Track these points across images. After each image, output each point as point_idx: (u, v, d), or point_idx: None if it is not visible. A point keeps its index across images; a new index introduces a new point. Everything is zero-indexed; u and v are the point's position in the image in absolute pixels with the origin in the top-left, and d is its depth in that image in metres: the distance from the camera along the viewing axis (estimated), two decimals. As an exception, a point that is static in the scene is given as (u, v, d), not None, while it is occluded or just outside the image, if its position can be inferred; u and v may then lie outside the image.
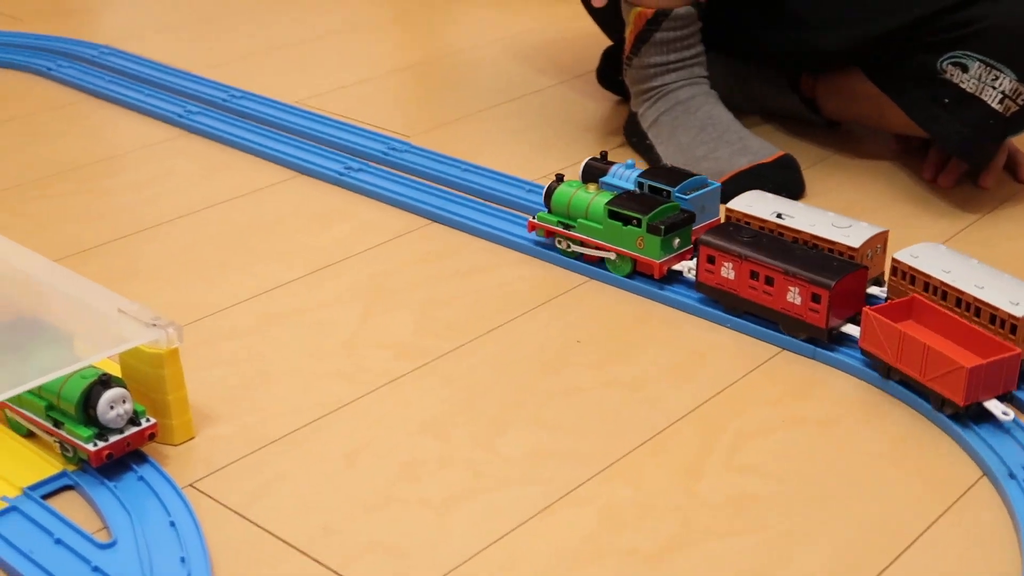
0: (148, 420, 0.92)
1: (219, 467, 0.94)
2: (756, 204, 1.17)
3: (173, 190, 1.42)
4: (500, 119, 1.60)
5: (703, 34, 1.43)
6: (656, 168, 1.26)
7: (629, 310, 1.15)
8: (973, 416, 0.96)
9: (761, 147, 1.37)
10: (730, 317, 1.12)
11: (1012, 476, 0.90)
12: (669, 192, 1.20)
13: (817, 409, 1.00)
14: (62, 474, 0.91)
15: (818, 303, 1.04)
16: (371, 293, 1.19)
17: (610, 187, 1.23)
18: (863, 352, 1.03)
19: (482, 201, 1.36)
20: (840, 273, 1.04)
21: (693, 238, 1.18)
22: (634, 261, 1.18)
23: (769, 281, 1.08)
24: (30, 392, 0.92)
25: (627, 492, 0.90)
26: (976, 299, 1.00)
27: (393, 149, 1.49)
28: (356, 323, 1.13)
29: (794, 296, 1.06)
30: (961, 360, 0.94)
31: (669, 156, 1.40)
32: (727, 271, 1.10)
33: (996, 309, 0.99)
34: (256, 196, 1.40)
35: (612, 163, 1.27)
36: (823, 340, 1.06)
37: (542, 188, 1.34)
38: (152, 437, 0.92)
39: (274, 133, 1.55)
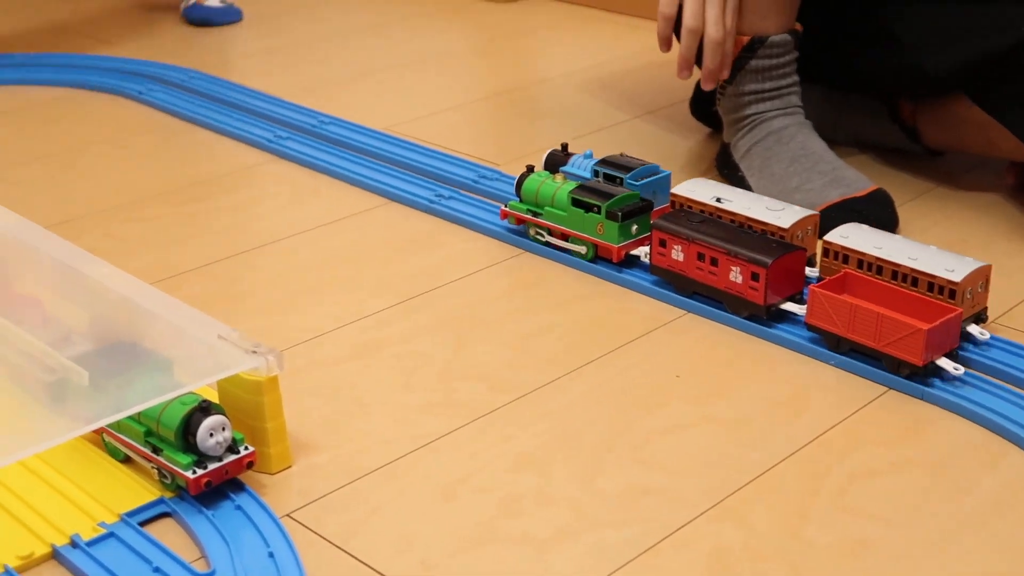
0: (246, 448, 0.91)
1: (316, 497, 0.92)
2: (698, 189, 1.26)
3: (264, 215, 1.42)
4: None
5: (797, 63, 1.40)
6: (610, 157, 1.33)
7: (728, 344, 1.13)
8: (930, 374, 1.04)
9: (855, 179, 1.35)
10: (833, 355, 1.09)
11: None
12: (622, 179, 1.29)
13: (928, 451, 0.97)
14: (159, 501, 0.90)
15: (757, 281, 1.11)
16: (464, 323, 1.17)
17: (571, 176, 1.31)
18: (809, 327, 1.10)
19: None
20: (777, 253, 1.11)
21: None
22: (595, 246, 1.25)
23: (714, 262, 1.15)
24: (129, 417, 0.91)
25: (734, 534, 0.87)
26: (913, 270, 1.08)
27: (483, 177, 1.48)
28: (450, 354, 1.12)
29: (736, 275, 1.13)
30: (918, 324, 1.01)
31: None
32: (677, 253, 1.18)
33: (934, 277, 1.07)
34: (346, 223, 1.39)
35: (572, 154, 1.36)
36: (762, 316, 1.12)
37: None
38: (250, 465, 0.91)
39: (364, 159, 1.55)
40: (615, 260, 1.24)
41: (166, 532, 0.89)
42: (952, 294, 1.07)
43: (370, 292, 1.23)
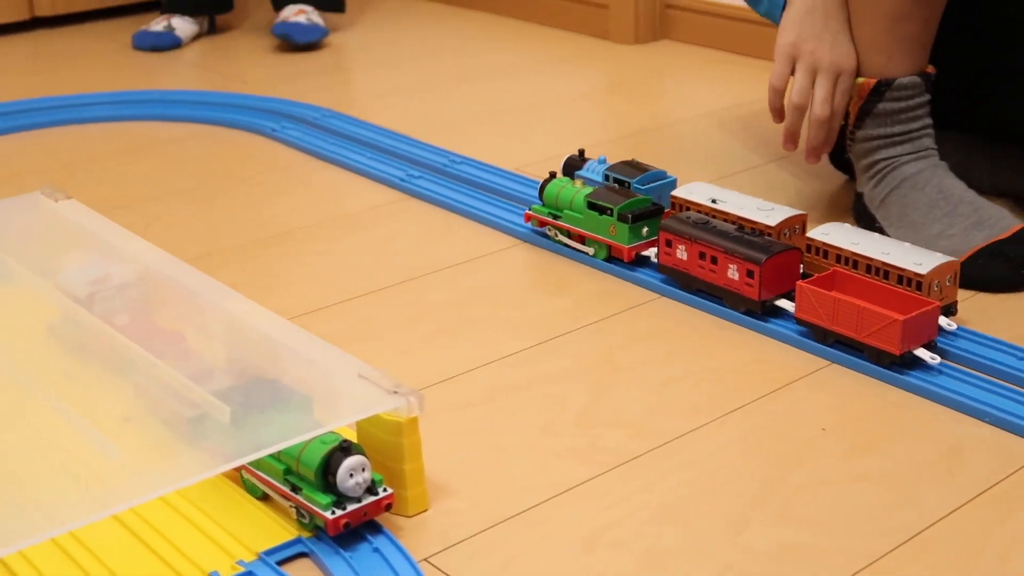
0: (385, 490, 0.90)
1: (454, 542, 0.90)
2: (695, 191, 1.35)
3: (397, 254, 1.41)
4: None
5: (933, 108, 1.36)
6: (620, 162, 1.42)
7: (873, 396, 1.09)
8: (907, 364, 1.10)
9: (999, 218, 1.29)
10: (987, 411, 1.05)
11: None
12: (630, 183, 1.38)
13: (1094, 517, 0.92)
14: (297, 540, 0.89)
15: (752, 278, 1.19)
16: (602, 368, 1.15)
17: (586, 179, 1.42)
18: (798, 322, 1.17)
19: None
20: (772, 251, 1.19)
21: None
22: (609, 247, 1.33)
23: (714, 260, 1.23)
24: (269, 455, 0.90)
25: (890, 597, 0.84)
26: (884, 263, 1.17)
27: (618, 220, 1.46)
28: (588, 398, 1.10)
29: (733, 272, 1.21)
30: (894, 315, 1.08)
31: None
32: (681, 252, 1.26)
33: (903, 270, 1.15)
34: (480, 262, 1.38)
35: (588, 159, 1.45)
36: (757, 311, 1.20)
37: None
38: (389, 507, 0.90)
39: (496, 200, 1.54)
40: (626, 259, 1.32)
41: (303, 572, 0.88)
42: (919, 286, 1.15)
43: (505, 333, 1.22)
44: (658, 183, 1.38)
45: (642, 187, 1.37)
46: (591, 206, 1.34)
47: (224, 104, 1.96)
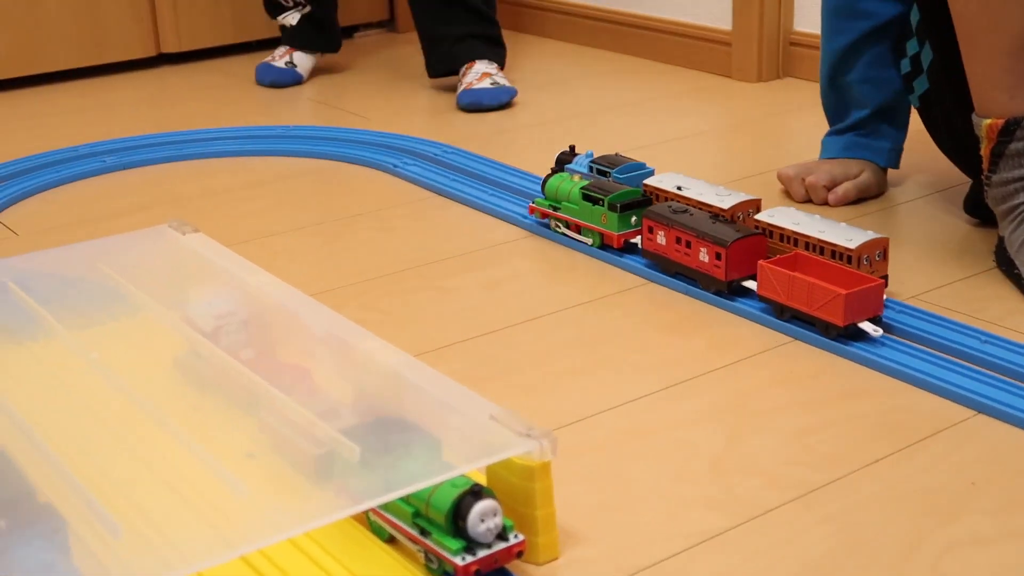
0: (516, 536, 0.87)
1: (586, 593, 0.87)
2: (665, 180, 1.47)
3: (522, 292, 1.39)
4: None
5: None
6: (604, 156, 1.55)
7: (1028, 452, 1.03)
8: (852, 336, 1.20)
9: None
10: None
11: None
12: (610, 173, 1.51)
13: None
14: (425, 586, 0.87)
15: (720, 260, 1.29)
16: (735, 413, 1.11)
17: (572, 171, 1.54)
18: (760, 299, 1.27)
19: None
20: (738, 235, 1.29)
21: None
22: (601, 235, 1.45)
23: (688, 244, 1.33)
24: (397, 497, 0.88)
25: (1055, 668, 0.78)
26: (819, 240, 1.28)
27: (746, 260, 1.42)
28: (722, 445, 1.06)
29: (704, 255, 1.31)
30: (839, 290, 1.18)
31: None
32: (661, 238, 1.37)
33: (835, 245, 1.26)
34: (606, 302, 1.35)
35: (578, 154, 1.58)
36: (725, 291, 1.30)
37: (910, 307, 1.28)
38: (520, 555, 0.87)
39: (621, 238, 1.51)
40: (615, 246, 1.44)
41: (431, 620, 0.85)
42: (849, 259, 1.25)
43: (634, 375, 1.18)
44: (635, 173, 1.52)
45: (621, 176, 1.51)
46: (585, 197, 1.46)
47: (345, 140, 1.97)
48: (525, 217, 1.58)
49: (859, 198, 1.61)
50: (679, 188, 1.44)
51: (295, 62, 2.36)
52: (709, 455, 1.04)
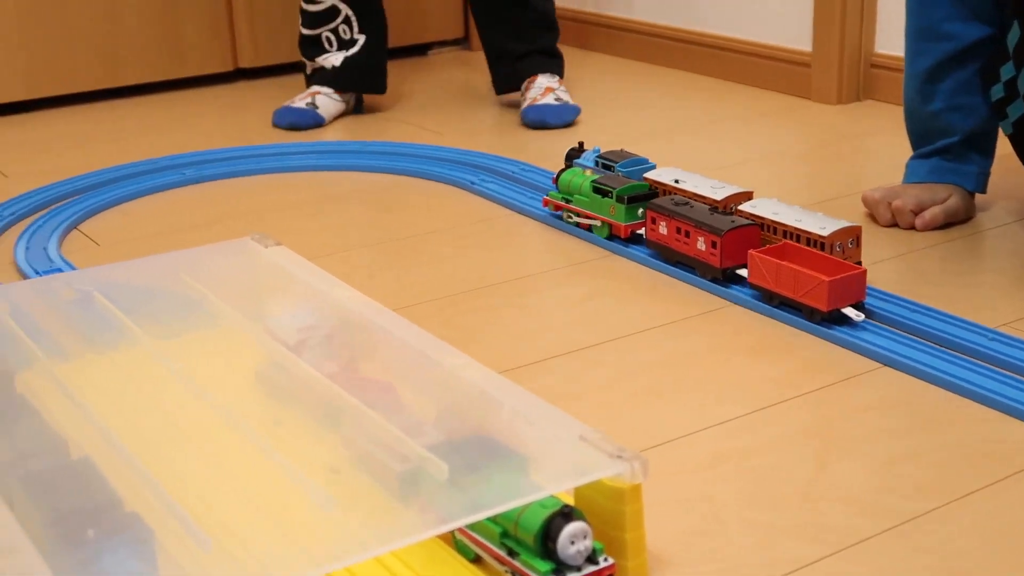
0: (606, 559, 0.85)
1: (675, 620, 0.85)
2: (664, 174, 1.58)
3: (602, 311, 1.37)
4: (957, 257, 1.48)
5: None
6: (610, 150, 1.66)
7: None
8: (835, 320, 1.27)
9: None
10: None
11: None
12: (615, 166, 1.61)
13: None
14: (511, 608, 0.85)
15: (715, 248, 1.38)
16: (824, 439, 1.08)
17: (580, 165, 1.64)
18: (751, 286, 1.35)
19: (937, 346, 1.24)
20: (732, 225, 1.37)
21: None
22: (609, 225, 1.54)
23: (687, 234, 1.42)
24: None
25: None
26: (795, 228, 1.36)
27: (832, 284, 1.39)
28: (812, 472, 1.03)
29: (701, 244, 1.40)
30: (822, 277, 1.26)
31: None
32: (663, 228, 1.45)
33: (810, 233, 1.34)
34: (688, 323, 1.33)
35: (586, 150, 1.69)
36: (720, 278, 1.39)
37: (1017, 340, 1.25)
38: (608, 579, 0.85)
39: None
40: (623, 236, 1.53)
41: (517, 642, 0.83)
42: (823, 246, 1.33)
43: (718, 398, 1.16)
44: (638, 167, 1.61)
45: (624, 169, 1.61)
46: (595, 190, 1.55)
47: (422, 156, 1.96)
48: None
49: (947, 223, 1.58)
50: (676, 181, 1.55)
51: (317, 104, 2.23)
52: (799, 481, 1.02)
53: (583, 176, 1.58)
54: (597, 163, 1.64)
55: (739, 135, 2.06)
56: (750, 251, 1.34)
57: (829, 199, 1.72)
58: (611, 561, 0.85)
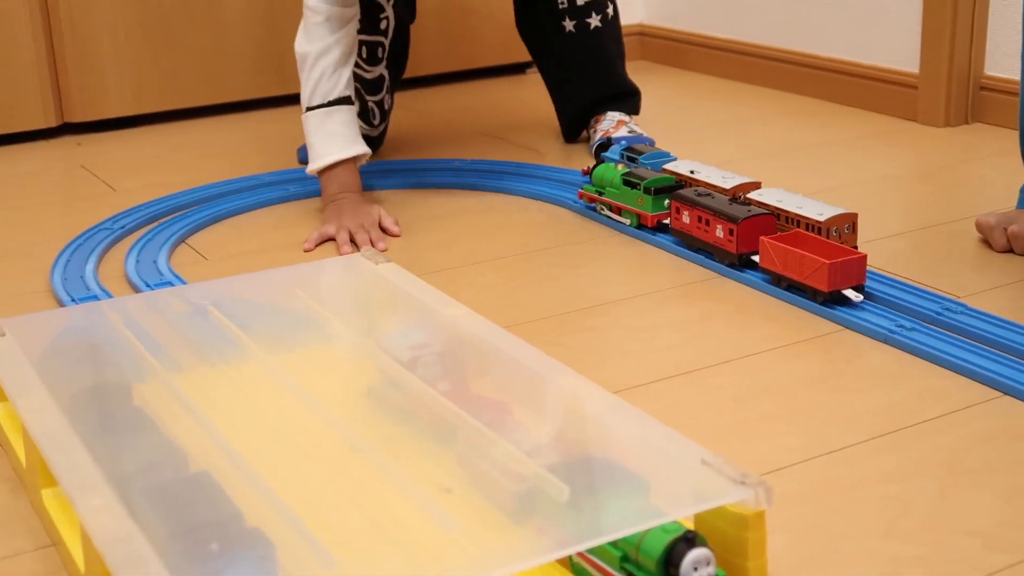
0: (728, 587, 0.84)
1: (799, 651, 0.84)
2: (681, 165, 1.71)
3: (713, 334, 1.36)
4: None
5: None
6: (635, 144, 1.83)
7: None
8: (836, 301, 1.38)
9: None
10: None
11: None
12: (638, 159, 1.76)
13: None
14: (630, 634, 0.84)
15: (732, 235, 1.49)
16: (945, 469, 1.06)
17: (607, 158, 1.80)
18: (762, 271, 1.47)
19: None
20: (748, 214, 1.49)
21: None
22: (638, 215, 1.66)
23: (707, 222, 1.53)
24: (604, 540, 0.86)
25: None
26: (796, 214, 1.49)
27: (947, 310, 1.36)
28: (933, 503, 1.01)
29: (719, 231, 1.51)
30: (823, 260, 1.37)
31: None
32: (686, 217, 1.57)
33: (807, 218, 1.47)
34: (801, 347, 1.31)
35: (612, 144, 1.86)
36: (736, 263, 1.50)
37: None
38: (731, 607, 0.83)
39: (812, 282, 1.47)
40: (649, 225, 1.65)
41: (637, 669, 0.82)
42: (819, 231, 1.45)
43: (834, 424, 1.14)
44: (659, 159, 1.75)
45: (647, 161, 1.75)
46: (625, 182, 1.67)
47: (523, 175, 1.96)
48: (712, 258, 1.55)
49: None
50: (692, 172, 1.67)
51: None
52: (920, 512, 1.00)
53: (614, 171, 1.70)
54: (623, 156, 1.79)
55: (844, 157, 2.03)
56: (761, 238, 1.45)
57: (939, 223, 1.68)
58: (734, 589, 0.84)
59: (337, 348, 1.23)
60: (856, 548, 0.95)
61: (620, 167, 1.72)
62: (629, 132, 2.08)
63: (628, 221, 1.68)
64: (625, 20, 2.42)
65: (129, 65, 2.39)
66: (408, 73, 2.53)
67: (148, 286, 1.53)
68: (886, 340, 1.31)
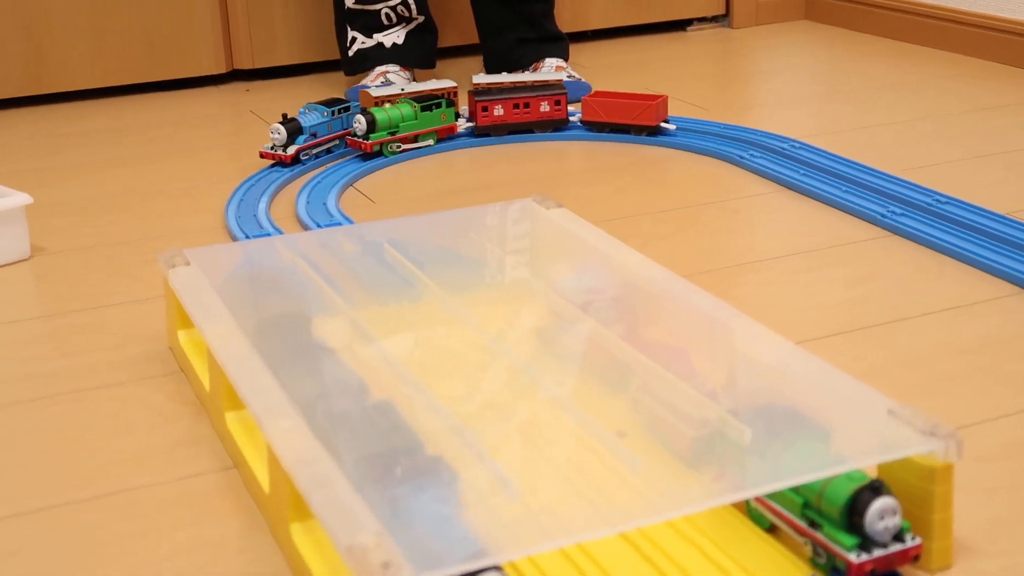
0: (913, 539, 0.82)
1: (984, 608, 0.82)
2: (375, 91, 1.95)
3: (883, 292, 1.33)
4: None
5: None
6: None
7: None
8: (657, 132, 1.87)
9: None
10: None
11: None
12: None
13: None
14: (811, 581, 0.83)
15: (559, 105, 1.92)
16: None
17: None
18: (583, 124, 1.93)
19: None
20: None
21: None
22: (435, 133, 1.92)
23: (527, 105, 1.90)
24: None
25: None
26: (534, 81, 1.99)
27: None
28: (1125, 468, 0.97)
29: (545, 106, 1.90)
30: (650, 101, 1.90)
31: None
32: (498, 110, 1.90)
33: (546, 81, 1.99)
34: (977, 308, 1.28)
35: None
36: (564, 127, 1.93)
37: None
38: (916, 559, 0.82)
39: (990, 243, 1.42)
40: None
41: (816, 616, 0.81)
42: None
43: (1016, 386, 1.11)
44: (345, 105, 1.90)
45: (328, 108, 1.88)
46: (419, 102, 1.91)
47: (688, 130, 1.94)
48: (883, 216, 1.52)
49: None
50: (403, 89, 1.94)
51: (391, 81, 2.20)
52: (1111, 477, 0.96)
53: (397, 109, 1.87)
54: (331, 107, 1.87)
55: (1019, 119, 1.97)
56: (583, 97, 1.91)
57: (1125, 189, 1.62)
58: (918, 541, 0.82)
59: (511, 289, 1.24)
60: (1042, 509, 0.93)
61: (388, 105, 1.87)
62: (569, 78, 2.17)
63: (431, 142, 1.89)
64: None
65: (296, 15, 2.43)
66: (574, 28, 2.53)
67: (318, 225, 1.55)
68: (1069, 304, 1.27)
